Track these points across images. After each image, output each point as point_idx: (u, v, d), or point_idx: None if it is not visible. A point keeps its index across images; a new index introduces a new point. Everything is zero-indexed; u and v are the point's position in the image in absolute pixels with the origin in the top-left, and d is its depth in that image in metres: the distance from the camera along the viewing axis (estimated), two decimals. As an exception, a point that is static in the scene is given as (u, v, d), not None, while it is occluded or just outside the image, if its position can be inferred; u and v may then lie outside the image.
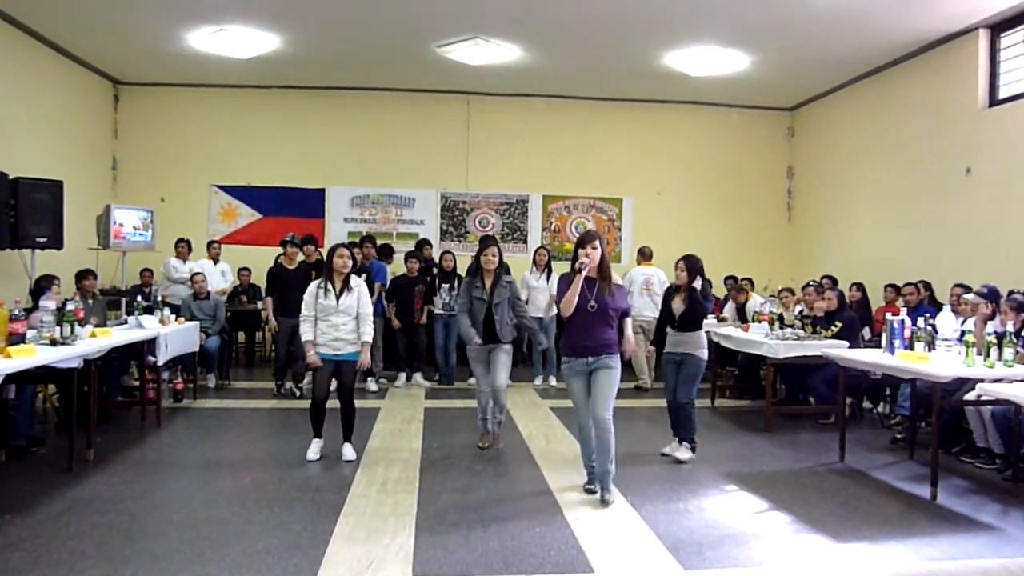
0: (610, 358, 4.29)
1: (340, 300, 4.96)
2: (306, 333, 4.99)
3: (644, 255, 8.43)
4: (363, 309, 5.03)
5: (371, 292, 7.62)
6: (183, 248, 8.67)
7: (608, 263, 4.36)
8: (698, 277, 5.15)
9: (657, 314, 5.98)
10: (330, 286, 4.99)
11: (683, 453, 5.21)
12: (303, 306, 5.01)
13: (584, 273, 4.19)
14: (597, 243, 4.28)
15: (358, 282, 5.11)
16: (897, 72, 8.78)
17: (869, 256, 9.15)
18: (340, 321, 4.96)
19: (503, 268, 5.47)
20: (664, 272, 8.00)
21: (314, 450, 5.07)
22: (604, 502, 4.20)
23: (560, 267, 7.98)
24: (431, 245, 9.58)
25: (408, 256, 8.24)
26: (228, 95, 10.45)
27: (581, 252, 4.23)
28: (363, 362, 5.08)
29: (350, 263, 5.04)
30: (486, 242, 5.41)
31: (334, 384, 5.12)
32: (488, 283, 5.29)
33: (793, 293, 8.12)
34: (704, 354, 5.23)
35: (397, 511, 4.06)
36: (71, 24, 7.95)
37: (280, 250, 7.73)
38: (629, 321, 4.54)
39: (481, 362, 5.35)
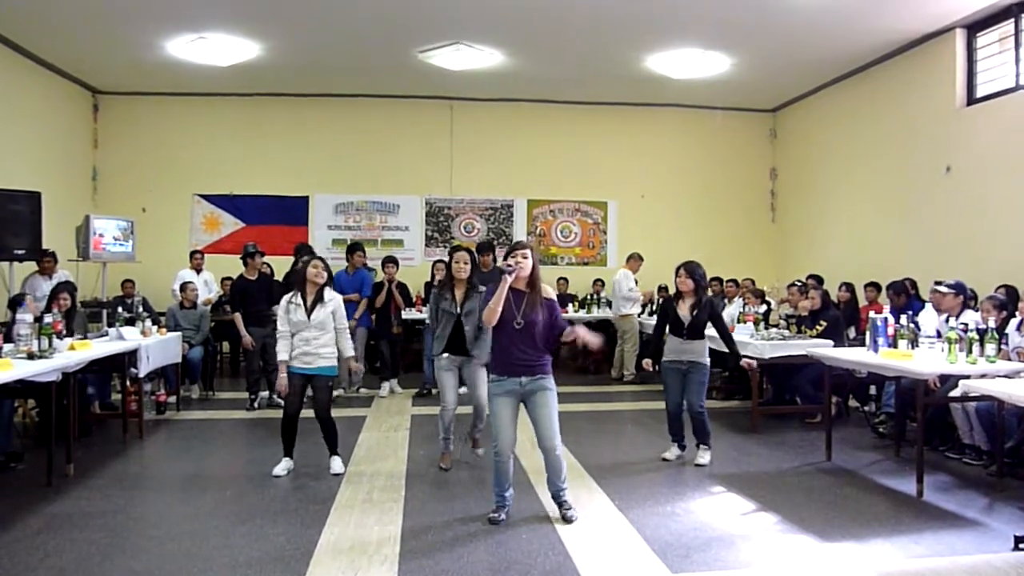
0: (545, 379, 3.98)
1: (312, 315, 4.77)
2: (281, 352, 4.80)
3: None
4: (340, 324, 4.85)
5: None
6: (49, 263, 7.39)
7: (538, 275, 4.01)
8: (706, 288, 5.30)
9: None
10: (299, 300, 4.80)
11: (705, 457, 5.24)
12: (278, 322, 4.88)
13: (510, 279, 3.83)
14: (528, 252, 3.94)
15: (332, 295, 4.90)
16: (876, 73, 8.86)
17: (852, 255, 9.21)
18: (312, 336, 4.77)
19: (477, 278, 5.08)
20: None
21: (281, 467, 4.88)
22: (566, 519, 3.98)
23: (545, 271, 7.84)
24: (493, 249, 7.94)
25: (385, 261, 8.03)
26: (209, 103, 10.38)
27: (511, 259, 3.91)
28: (354, 368, 5.08)
29: (325, 275, 4.87)
30: (457, 250, 5.15)
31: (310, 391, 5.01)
32: (459, 294, 4.96)
33: (759, 297, 8.15)
34: (708, 360, 5.26)
35: (382, 521, 4.02)
36: (49, 33, 7.87)
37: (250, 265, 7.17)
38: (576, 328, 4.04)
39: (449, 372, 5.03)
